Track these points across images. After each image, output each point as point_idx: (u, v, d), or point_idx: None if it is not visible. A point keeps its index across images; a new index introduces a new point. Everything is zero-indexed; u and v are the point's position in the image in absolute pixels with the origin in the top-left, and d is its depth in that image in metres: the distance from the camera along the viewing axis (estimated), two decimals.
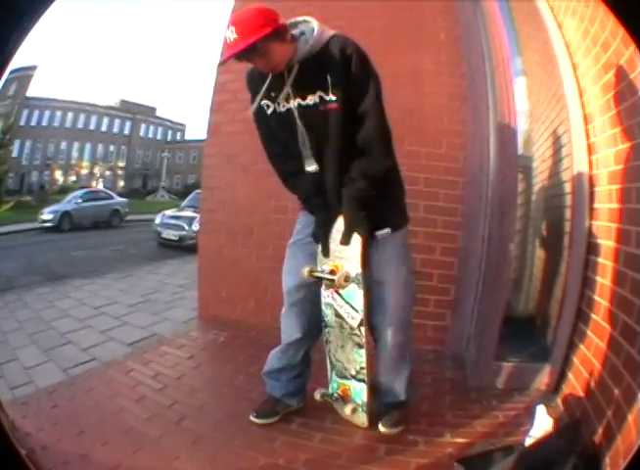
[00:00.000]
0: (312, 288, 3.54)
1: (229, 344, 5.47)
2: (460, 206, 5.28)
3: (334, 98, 3.13)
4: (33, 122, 18.57)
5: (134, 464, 3.36)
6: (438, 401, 4.10)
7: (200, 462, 3.36)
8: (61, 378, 4.82)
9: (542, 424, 3.19)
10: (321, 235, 3.41)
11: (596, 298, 3.54)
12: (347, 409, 3.58)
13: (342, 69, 3.10)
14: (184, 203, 15.62)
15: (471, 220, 5.07)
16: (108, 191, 18.41)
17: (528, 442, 3.12)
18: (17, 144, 18.48)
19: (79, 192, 17.18)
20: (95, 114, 20.56)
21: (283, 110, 3.24)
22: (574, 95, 3.91)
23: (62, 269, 10.17)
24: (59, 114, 19.36)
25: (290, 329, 3.67)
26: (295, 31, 3.22)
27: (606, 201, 3.54)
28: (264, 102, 3.27)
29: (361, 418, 3.61)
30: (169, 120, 23.08)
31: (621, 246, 3.22)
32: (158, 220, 14.19)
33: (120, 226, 16.43)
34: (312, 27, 3.18)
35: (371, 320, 3.51)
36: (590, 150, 3.80)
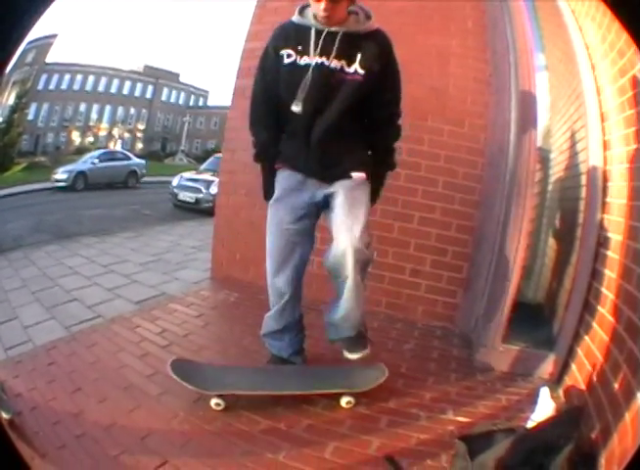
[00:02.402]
0: (299, 243, 3.81)
1: (240, 305, 5.50)
2: (478, 185, 5.35)
3: (361, 72, 3.43)
4: (52, 86, 18.62)
5: (130, 423, 3.35)
6: (444, 378, 4.13)
7: (199, 422, 3.37)
8: (62, 336, 4.78)
9: (545, 407, 3.21)
10: (269, 183, 3.89)
11: (603, 290, 3.56)
12: (343, 402, 3.60)
13: (377, 55, 3.47)
14: (203, 166, 15.57)
15: (488, 201, 5.12)
16: (125, 152, 18.36)
17: (530, 425, 3.14)
18: (33, 107, 18.55)
19: (96, 152, 17.15)
20: (117, 77, 20.60)
21: (302, 63, 3.47)
22: (592, 93, 3.96)
23: (72, 228, 10.20)
24: (79, 77, 19.39)
25: (283, 287, 3.84)
26: None
27: (617, 196, 3.58)
28: (286, 51, 3.50)
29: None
30: (192, 86, 23.06)
31: (630, 241, 3.25)
32: (175, 182, 14.15)
33: (136, 187, 16.33)
34: (367, 13, 3.51)
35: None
36: (605, 146, 3.84)
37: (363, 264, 3.54)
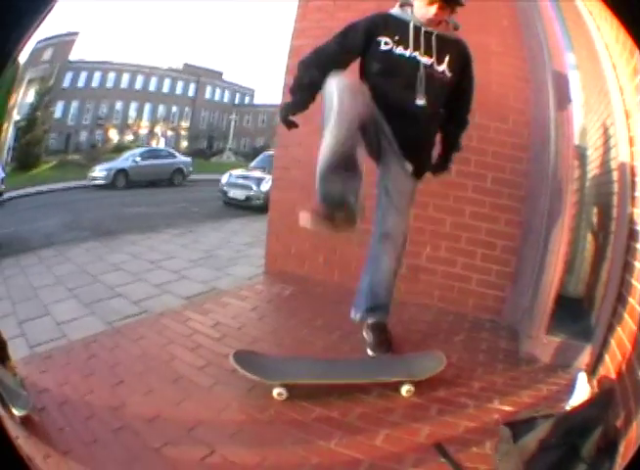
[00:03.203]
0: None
1: (295, 298, 5.57)
2: (524, 180, 5.46)
3: (449, 74, 4.03)
4: (81, 84, 18.40)
5: (177, 414, 3.39)
6: (491, 369, 4.25)
7: (252, 411, 3.45)
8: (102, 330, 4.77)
9: (581, 392, 3.31)
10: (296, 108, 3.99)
11: (633, 282, 3.63)
12: (403, 391, 3.72)
13: (461, 60, 4.12)
14: (253, 163, 15.27)
15: (533, 195, 5.22)
16: (170, 150, 18.06)
17: (568, 409, 3.23)
18: (60, 105, 18.37)
19: (137, 150, 16.82)
20: (155, 75, 20.37)
21: (398, 52, 3.94)
22: (616, 91, 4.06)
23: (114, 225, 10.03)
24: (112, 75, 19.21)
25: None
26: None
27: None
28: (383, 38, 3.96)
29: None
30: (237, 85, 22.81)
31: None
32: (224, 180, 13.93)
33: (183, 185, 16.10)
34: (456, 25, 4.13)
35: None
36: (631, 142, 3.92)
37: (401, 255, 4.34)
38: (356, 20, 4.06)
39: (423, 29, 3.93)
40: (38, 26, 2.10)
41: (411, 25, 3.93)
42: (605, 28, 4.07)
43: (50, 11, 2.21)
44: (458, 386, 3.88)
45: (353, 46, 4.00)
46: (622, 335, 3.63)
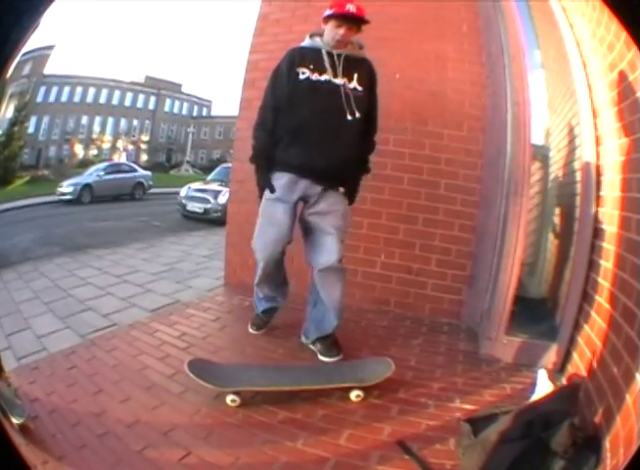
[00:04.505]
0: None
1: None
2: (478, 186, 5.54)
3: (360, 88, 4.27)
4: (51, 99, 18.33)
5: (153, 419, 3.49)
6: (451, 370, 4.32)
7: (220, 416, 3.53)
8: (79, 343, 4.88)
9: (543, 389, 3.33)
10: (267, 180, 4.46)
11: (600, 280, 3.69)
12: (352, 396, 3.78)
13: (368, 77, 4.34)
14: (210, 176, 15.40)
15: (488, 200, 5.28)
16: (131, 164, 18.10)
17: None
18: (33, 120, 18.28)
19: (101, 165, 16.90)
20: (118, 89, 20.30)
21: (315, 79, 4.21)
22: (584, 90, 4.12)
23: (82, 240, 10.16)
24: (79, 89, 19.14)
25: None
26: None
27: (610, 189, 3.73)
28: (301, 69, 4.23)
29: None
30: (195, 96, 22.72)
31: (623, 232, 3.39)
32: (183, 193, 14.10)
33: (143, 199, 16.13)
34: (360, 44, 4.38)
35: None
36: (597, 141, 4.00)
37: (342, 273, 4.41)
38: (277, 64, 4.40)
39: (335, 53, 4.23)
40: (35, 29, 2.05)
41: (323, 52, 4.25)
42: (580, 24, 4.13)
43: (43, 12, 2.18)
44: (417, 387, 3.99)
45: (281, 88, 4.32)
46: (591, 333, 3.70)
